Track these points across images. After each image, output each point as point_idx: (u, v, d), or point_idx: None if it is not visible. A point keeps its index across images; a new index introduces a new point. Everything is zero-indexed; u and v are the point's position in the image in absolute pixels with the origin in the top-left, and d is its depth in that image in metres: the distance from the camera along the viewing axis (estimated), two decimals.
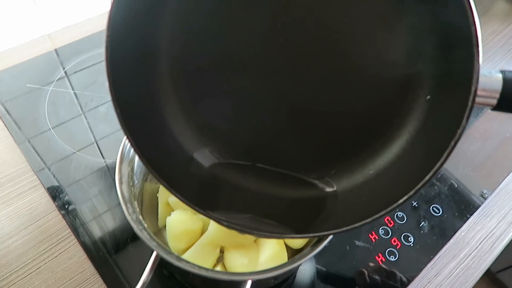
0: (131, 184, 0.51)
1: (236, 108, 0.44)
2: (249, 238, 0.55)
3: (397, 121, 0.40)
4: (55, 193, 0.64)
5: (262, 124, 0.44)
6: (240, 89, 0.43)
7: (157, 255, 0.46)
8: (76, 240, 0.59)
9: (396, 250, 0.61)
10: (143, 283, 0.45)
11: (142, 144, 0.39)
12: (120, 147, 0.51)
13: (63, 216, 0.61)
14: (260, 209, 0.45)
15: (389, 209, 0.36)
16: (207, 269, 0.44)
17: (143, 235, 0.45)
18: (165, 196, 0.60)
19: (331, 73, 0.41)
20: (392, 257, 0.61)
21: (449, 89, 0.36)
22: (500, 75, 0.34)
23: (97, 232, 0.60)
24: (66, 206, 0.62)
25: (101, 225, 0.61)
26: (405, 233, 0.63)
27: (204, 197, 0.45)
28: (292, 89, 0.42)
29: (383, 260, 0.60)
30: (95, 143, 0.70)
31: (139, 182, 0.55)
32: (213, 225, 0.54)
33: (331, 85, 0.41)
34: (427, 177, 0.34)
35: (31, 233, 0.60)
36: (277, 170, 0.45)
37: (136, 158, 0.54)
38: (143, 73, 0.41)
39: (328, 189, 0.44)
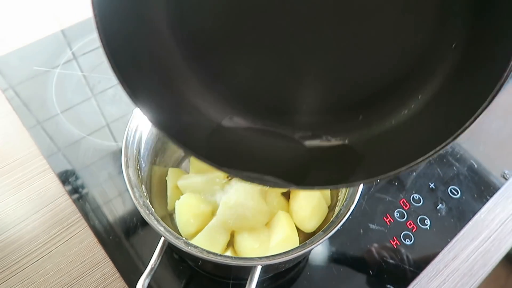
0: (138, 167, 0.50)
1: (254, 66, 0.40)
2: (260, 221, 0.54)
3: (428, 68, 0.35)
4: (65, 177, 0.63)
5: (282, 82, 0.40)
6: (256, 46, 0.38)
7: (164, 241, 0.45)
8: (86, 224, 0.59)
9: (412, 233, 0.59)
10: (151, 269, 0.44)
11: (152, 110, 0.36)
12: (126, 130, 0.50)
13: (73, 200, 0.61)
14: (280, 165, 0.42)
15: (418, 160, 0.33)
16: (215, 254, 0.43)
17: (150, 220, 0.44)
18: (174, 179, 0.59)
19: (356, 22, 0.35)
20: (407, 241, 0.59)
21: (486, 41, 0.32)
22: None
23: (107, 215, 0.60)
24: (76, 190, 0.62)
25: (111, 209, 0.61)
26: (422, 216, 0.61)
27: (220, 155, 0.42)
28: (316, 40, 0.38)
29: (398, 243, 0.59)
30: (106, 126, 0.69)
31: (147, 165, 0.54)
32: (223, 208, 0.53)
33: (356, 35, 0.36)
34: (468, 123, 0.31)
35: (41, 217, 0.60)
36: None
37: (144, 140, 0.53)
38: (142, 38, 0.37)
39: (348, 142, 0.41)
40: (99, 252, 0.57)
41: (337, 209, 0.51)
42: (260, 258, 0.43)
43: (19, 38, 0.79)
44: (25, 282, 0.55)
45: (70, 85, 0.73)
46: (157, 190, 0.58)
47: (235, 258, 0.43)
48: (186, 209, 0.55)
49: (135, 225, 0.59)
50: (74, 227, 0.59)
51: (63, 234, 0.58)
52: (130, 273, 0.55)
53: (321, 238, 0.44)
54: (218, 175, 0.58)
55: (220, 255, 0.43)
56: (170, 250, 0.57)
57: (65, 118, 0.69)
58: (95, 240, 0.58)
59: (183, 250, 0.43)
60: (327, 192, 0.57)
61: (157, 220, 0.45)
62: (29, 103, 0.70)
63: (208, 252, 0.43)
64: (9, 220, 0.59)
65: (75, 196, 0.61)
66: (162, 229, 0.44)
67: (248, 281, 0.44)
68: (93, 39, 0.80)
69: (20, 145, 0.66)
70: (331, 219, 0.48)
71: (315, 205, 0.55)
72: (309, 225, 0.55)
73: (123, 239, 0.58)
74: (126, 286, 0.54)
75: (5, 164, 0.64)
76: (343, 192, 0.52)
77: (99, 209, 0.60)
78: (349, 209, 0.46)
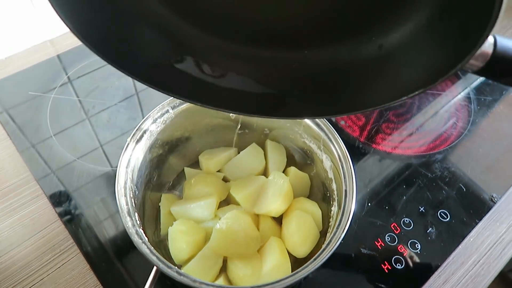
0: (131, 195, 0.51)
1: None
2: (252, 248, 0.55)
3: None
4: (58, 199, 0.63)
5: None
6: None
7: (157, 270, 0.46)
8: (79, 250, 0.59)
9: (402, 257, 0.60)
10: None
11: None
12: (120, 159, 0.51)
13: (65, 225, 0.61)
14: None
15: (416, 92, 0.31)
16: (208, 284, 0.43)
17: (143, 249, 0.45)
18: (167, 205, 0.60)
19: None
20: (398, 265, 0.59)
21: None
22: (492, 39, 0.31)
23: (100, 240, 0.60)
24: (68, 213, 0.62)
25: (103, 233, 0.61)
26: (412, 240, 0.62)
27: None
28: None
29: (390, 268, 0.59)
30: (99, 148, 0.70)
31: (140, 192, 0.55)
32: (215, 234, 0.54)
33: None
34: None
35: (34, 243, 0.60)
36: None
37: (137, 167, 0.53)
38: None
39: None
40: (92, 279, 0.57)
41: (328, 235, 0.52)
42: (251, 287, 0.44)
43: (15, 63, 0.80)
44: None
45: (64, 110, 0.74)
46: (150, 216, 0.58)
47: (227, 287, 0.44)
48: (179, 236, 0.55)
49: (127, 249, 0.59)
50: (67, 253, 0.59)
51: (56, 261, 0.58)
52: None
53: (314, 265, 0.44)
54: (211, 202, 0.59)
55: (213, 285, 0.43)
56: (164, 277, 0.57)
57: (58, 141, 0.69)
58: (88, 266, 0.58)
59: (176, 279, 0.43)
60: (319, 218, 0.58)
61: (150, 249, 0.45)
62: (23, 128, 0.71)
63: (201, 282, 0.43)
64: (1, 246, 0.59)
65: (67, 218, 0.62)
66: (155, 258, 0.45)
67: None
68: (89, 63, 0.81)
69: (14, 171, 0.67)
70: (323, 245, 0.49)
71: (306, 230, 0.56)
72: (301, 251, 0.55)
73: (116, 264, 0.58)
74: None
75: None
76: (334, 219, 0.53)
77: (91, 234, 0.61)
78: (340, 234, 0.46)
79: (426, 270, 0.59)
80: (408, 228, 0.63)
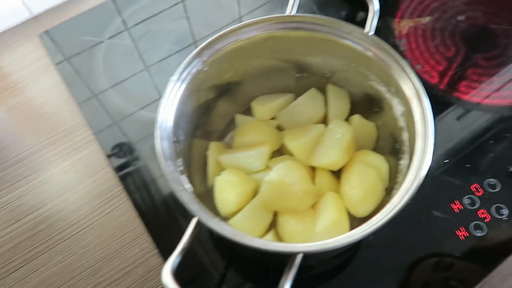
0: (175, 139, 0.46)
1: None
2: (306, 203, 0.49)
3: None
4: (112, 150, 0.62)
5: None
6: None
7: (198, 221, 0.42)
8: (128, 197, 0.58)
9: (484, 223, 0.51)
10: (183, 249, 0.40)
11: None
12: (162, 102, 0.46)
13: (116, 172, 0.60)
14: None
15: None
16: (252, 239, 0.38)
17: (182, 196, 0.41)
18: (215, 154, 0.55)
19: None
20: (478, 232, 0.51)
21: None
22: None
23: (150, 189, 0.58)
24: (122, 164, 0.60)
25: (154, 183, 0.59)
26: (497, 204, 0.52)
27: None
28: None
29: (466, 235, 0.51)
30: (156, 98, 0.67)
31: (186, 138, 0.51)
32: (265, 186, 0.48)
33: None
34: None
35: (85, 188, 0.59)
36: None
37: (183, 112, 0.49)
38: None
39: None
40: (139, 226, 0.56)
41: (395, 191, 0.44)
42: (302, 245, 0.38)
43: (69, 9, 0.79)
44: (66, 253, 0.55)
45: (119, 56, 0.72)
46: (197, 165, 0.54)
47: (272, 244, 0.38)
48: (226, 186, 0.51)
49: (176, 200, 0.57)
50: (116, 199, 0.58)
51: (105, 207, 0.58)
52: (168, 251, 0.53)
53: (375, 225, 0.38)
54: (263, 151, 0.53)
55: (257, 240, 0.38)
56: (207, 232, 0.54)
57: (115, 91, 0.67)
58: (135, 214, 0.56)
59: (217, 232, 0.39)
60: (385, 173, 0.50)
61: (191, 197, 0.41)
62: (78, 74, 0.70)
63: (245, 235, 0.38)
64: (54, 190, 0.59)
65: (120, 169, 0.60)
66: (195, 207, 0.40)
67: (286, 269, 0.39)
68: (144, 5, 0.78)
69: (67, 115, 0.66)
70: (388, 204, 0.42)
71: (369, 187, 0.49)
72: (362, 210, 0.49)
73: (163, 215, 0.56)
74: (163, 263, 0.52)
75: (53, 134, 0.64)
76: (403, 173, 0.45)
77: (141, 183, 0.59)
78: (409, 192, 0.39)
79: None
80: (493, 191, 0.53)
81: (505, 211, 0.52)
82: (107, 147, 0.62)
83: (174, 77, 0.47)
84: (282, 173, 0.49)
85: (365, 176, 0.49)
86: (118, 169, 0.60)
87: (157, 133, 0.44)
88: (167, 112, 0.46)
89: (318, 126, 0.55)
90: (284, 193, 0.48)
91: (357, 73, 0.52)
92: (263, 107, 0.58)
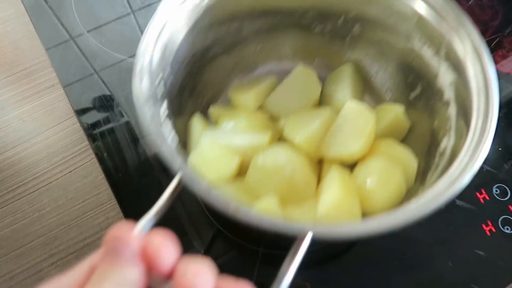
0: (160, 76, 0.36)
1: None
2: (307, 193, 0.40)
3: None
4: (76, 96, 0.52)
5: None
6: None
7: (180, 180, 0.31)
8: (93, 155, 0.48)
9: None
10: (157, 211, 0.30)
11: None
12: (148, 28, 0.35)
13: (84, 125, 0.50)
14: None
15: None
16: (248, 210, 0.28)
17: (162, 149, 0.30)
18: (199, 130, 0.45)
19: None
20: (507, 229, 0.43)
21: None
22: None
23: (120, 148, 0.49)
24: (90, 114, 0.51)
25: (127, 141, 0.49)
26: None
27: None
28: None
29: (493, 230, 0.43)
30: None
31: (179, 71, 0.40)
32: (251, 169, 0.39)
33: None
34: None
35: (44, 140, 0.50)
36: None
37: (176, 44, 0.38)
38: None
39: None
40: (105, 191, 0.47)
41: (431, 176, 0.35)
42: (313, 224, 0.29)
43: None
44: (17, 215, 0.46)
45: None
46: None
47: (277, 220, 0.29)
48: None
49: (156, 160, 0.47)
50: (80, 157, 0.49)
51: (66, 164, 0.48)
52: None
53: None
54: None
55: (255, 213, 0.29)
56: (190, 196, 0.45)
57: (92, 33, 0.57)
58: (102, 176, 0.47)
59: (203, 198, 0.29)
60: (412, 171, 0.41)
61: (173, 150, 0.31)
62: (47, 3, 0.58)
63: (237, 206, 0.28)
64: (8, 139, 0.50)
65: (87, 120, 0.50)
66: (177, 161, 0.30)
67: (290, 253, 0.29)
68: None
69: (30, 53, 0.55)
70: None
71: (390, 187, 0.38)
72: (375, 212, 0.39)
73: (136, 179, 0.47)
74: None
75: (10, 74, 0.54)
76: (445, 157, 0.36)
77: (113, 140, 0.49)
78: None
79: None
80: None
81: None
82: (74, 94, 0.52)
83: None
84: (276, 156, 0.39)
85: (386, 174, 0.40)
86: (86, 120, 0.50)
87: (138, 64, 0.33)
88: (153, 46, 0.35)
89: (324, 111, 0.44)
90: (279, 180, 0.39)
91: (396, 31, 0.42)
92: (247, 95, 0.47)
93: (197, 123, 0.43)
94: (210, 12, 0.40)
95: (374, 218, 0.28)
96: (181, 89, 0.41)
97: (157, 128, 0.32)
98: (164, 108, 0.35)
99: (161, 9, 0.36)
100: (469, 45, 0.34)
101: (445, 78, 0.37)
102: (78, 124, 0.50)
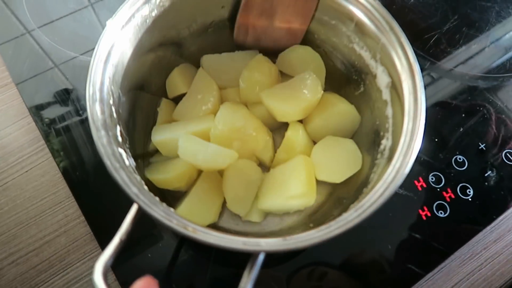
0: (111, 101, 0.37)
1: None
2: (262, 140, 0.46)
3: None
4: (31, 95, 0.52)
5: None
6: None
7: (138, 209, 0.33)
8: (50, 154, 0.49)
9: (447, 204, 0.48)
10: (119, 242, 0.32)
11: None
12: (96, 49, 0.37)
13: (36, 122, 0.50)
14: None
15: None
16: (207, 233, 0.31)
17: (120, 176, 0.32)
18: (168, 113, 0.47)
19: None
20: (441, 213, 0.47)
21: None
22: None
23: (77, 147, 0.49)
24: (47, 114, 0.51)
25: (83, 140, 0.50)
26: (463, 184, 0.48)
27: None
28: None
29: (429, 214, 0.47)
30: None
31: (129, 91, 0.41)
32: (217, 140, 0.44)
33: None
34: None
35: None
36: None
37: (124, 63, 0.39)
38: None
39: None
40: (63, 189, 0.48)
41: (374, 177, 0.38)
42: (265, 242, 0.31)
43: None
44: None
45: None
46: (141, 126, 0.46)
47: (230, 238, 0.31)
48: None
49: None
50: (36, 156, 0.49)
51: (23, 164, 0.49)
52: (97, 218, 0.46)
53: (347, 223, 0.33)
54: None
55: (213, 234, 0.31)
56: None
57: (46, 28, 0.56)
58: (59, 174, 0.48)
59: (162, 223, 0.31)
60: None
61: (129, 178, 0.33)
62: None
63: (196, 228, 0.31)
64: None
65: (43, 119, 0.51)
66: (135, 191, 0.32)
67: (247, 268, 0.31)
68: None
69: None
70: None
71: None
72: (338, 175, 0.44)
73: (93, 178, 0.48)
74: (91, 232, 0.45)
75: None
76: (384, 156, 0.39)
77: (69, 138, 0.50)
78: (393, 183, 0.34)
79: (475, 222, 0.47)
80: (460, 169, 0.49)
81: (470, 191, 0.48)
82: (29, 93, 0.52)
83: (114, 21, 0.38)
84: (227, 120, 0.44)
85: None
86: (41, 119, 0.51)
87: (89, 94, 0.35)
88: (101, 66, 0.36)
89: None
90: (238, 138, 0.44)
91: (338, 32, 0.44)
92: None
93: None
94: (159, 23, 0.42)
95: (318, 230, 0.31)
96: (133, 110, 0.43)
97: (113, 153, 0.33)
98: (117, 131, 0.36)
99: (108, 30, 0.37)
100: (400, 52, 0.37)
101: (382, 79, 0.40)
102: (33, 124, 0.50)
